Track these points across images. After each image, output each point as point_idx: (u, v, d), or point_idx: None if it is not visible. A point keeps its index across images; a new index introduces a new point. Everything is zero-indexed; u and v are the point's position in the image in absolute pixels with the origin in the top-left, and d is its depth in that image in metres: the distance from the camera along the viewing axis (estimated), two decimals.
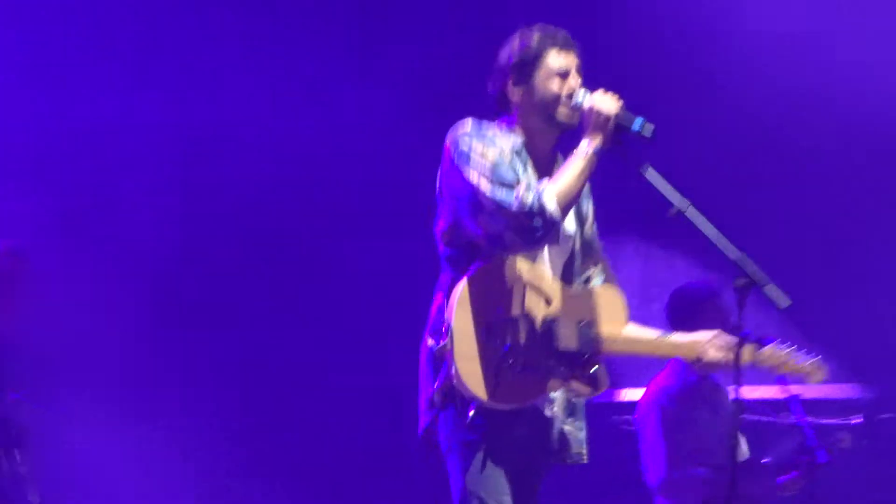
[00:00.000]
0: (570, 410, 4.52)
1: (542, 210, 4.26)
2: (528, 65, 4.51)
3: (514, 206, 4.24)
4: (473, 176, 4.32)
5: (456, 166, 4.37)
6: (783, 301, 4.16)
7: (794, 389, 5.97)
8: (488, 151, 4.36)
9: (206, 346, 7.29)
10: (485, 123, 4.50)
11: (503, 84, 4.57)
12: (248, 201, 7.44)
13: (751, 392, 6.55)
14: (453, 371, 4.20)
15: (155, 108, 7.29)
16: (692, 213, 4.28)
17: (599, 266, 4.67)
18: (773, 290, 4.18)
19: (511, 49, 4.57)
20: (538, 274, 4.38)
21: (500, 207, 4.26)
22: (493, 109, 4.62)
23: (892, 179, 7.41)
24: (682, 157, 5.88)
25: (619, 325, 4.54)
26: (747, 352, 4.57)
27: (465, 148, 4.38)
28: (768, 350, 4.71)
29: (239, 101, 7.40)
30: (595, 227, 4.69)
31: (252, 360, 7.40)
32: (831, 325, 7.08)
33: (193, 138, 7.34)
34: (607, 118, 4.39)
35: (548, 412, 4.40)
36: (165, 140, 7.37)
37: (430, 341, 4.37)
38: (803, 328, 6.22)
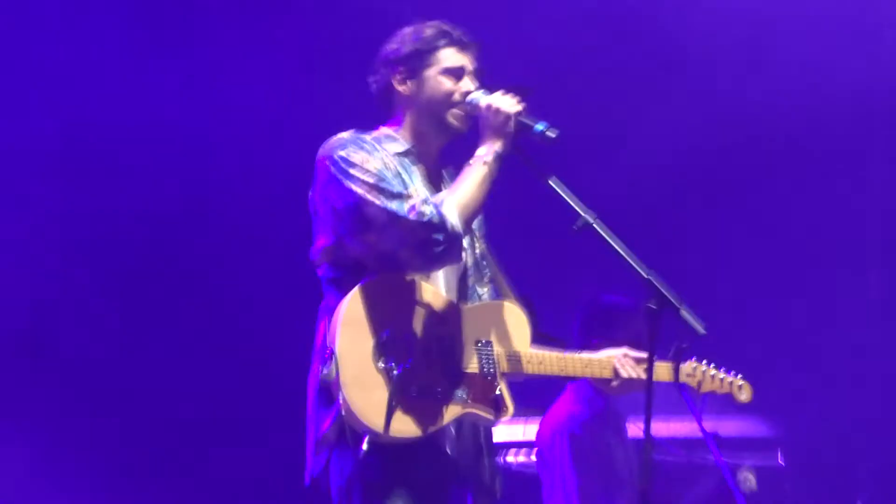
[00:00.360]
0: (477, 446, 4.14)
1: (442, 223, 3.92)
2: (419, 58, 4.15)
3: (411, 218, 3.90)
4: (358, 189, 3.96)
5: (336, 181, 4.00)
6: (699, 327, 3.80)
7: (709, 426, 5.45)
8: (370, 162, 4.00)
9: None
10: (363, 133, 4.13)
11: (388, 78, 4.19)
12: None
13: (661, 429, 6.14)
14: (341, 400, 3.84)
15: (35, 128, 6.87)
16: (599, 227, 3.93)
17: (496, 281, 4.30)
18: (688, 315, 3.80)
19: (402, 40, 4.20)
20: (430, 291, 4.06)
21: (393, 220, 3.91)
22: (376, 109, 4.25)
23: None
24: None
25: (522, 342, 4.19)
26: (664, 370, 4.35)
27: (344, 160, 4.01)
28: (688, 367, 4.51)
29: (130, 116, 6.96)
30: (486, 240, 4.33)
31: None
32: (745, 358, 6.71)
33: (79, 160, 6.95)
34: (507, 118, 4.04)
35: (449, 449, 4.07)
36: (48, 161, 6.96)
37: (315, 381, 3.99)
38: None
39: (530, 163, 4.04)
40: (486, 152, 4.03)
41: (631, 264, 3.83)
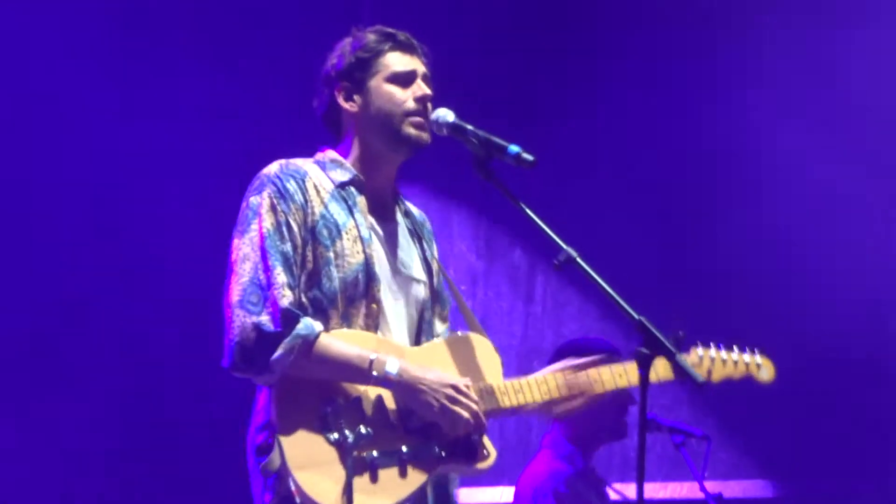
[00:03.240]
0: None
1: (279, 353, 3.43)
2: (362, 67, 3.68)
3: (261, 315, 3.45)
4: (234, 253, 3.53)
5: (234, 229, 3.59)
6: (698, 377, 3.29)
7: (713, 487, 5.30)
8: (270, 215, 3.53)
9: None
10: (302, 161, 3.67)
11: (331, 97, 3.73)
12: None
13: (657, 492, 5.76)
14: (293, 488, 3.37)
15: None
16: (583, 263, 3.44)
17: (461, 311, 3.82)
18: (685, 363, 3.29)
19: (342, 52, 3.74)
20: (372, 340, 3.56)
21: (238, 302, 3.47)
22: (323, 135, 3.79)
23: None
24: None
25: (494, 375, 3.69)
26: (662, 367, 3.64)
27: (249, 208, 3.57)
28: (693, 355, 3.96)
29: None
30: (441, 276, 3.85)
31: None
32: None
33: None
34: (429, 411, 3.52)
35: None
36: None
37: (253, 459, 3.51)
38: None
39: (505, 191, 3.57)
40: (386, 368, 3.48)
41: (619, 304, 3.34)
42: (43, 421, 6.38)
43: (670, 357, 3.27)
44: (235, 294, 3.47)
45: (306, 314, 3.50)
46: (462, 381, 3.55)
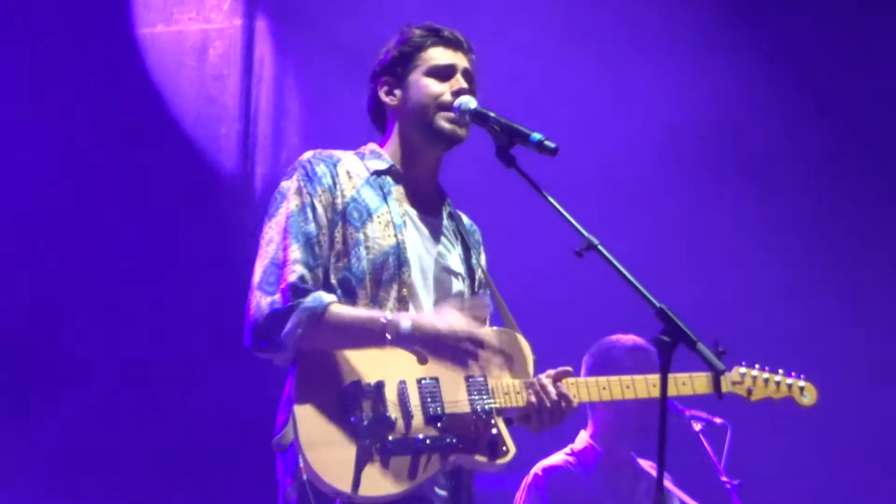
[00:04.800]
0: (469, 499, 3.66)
1: (288, 327, 3.44)
2: (403, 62, 3.71)
3: (272, 295, 3.47)
4: (263, 236, 3.58)
5: (266, 215, 3.64)
6: (719, 364, 3.28)
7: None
8: (296, 197, 3.57)
9: None
10: (329, 151, 3.70)
11: (375, 91, 3.76)
12: None
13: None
14: (302, 464, 3.35)
15: None
16: (605, 251, 3.44)
17: (500, 311, 3.81)
18: (706, 351, 3.28)
19: (388, 49, 3.77)
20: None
21: (257, 285, 3.49)
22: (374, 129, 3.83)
23: None
24: None
25: (524, 373, 3.69)
26: (701, 382, 3.82)
27: (280, 194, 3.62)
28: (734, 373, 4.00)
29: None
30: (486, 286, 3.83)
31: None
32: None
33: None
34: (443, 339, 3.51)
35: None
36: None
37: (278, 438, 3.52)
38: None
39: (527, 179, 3.57)
40: (400, 328, 3.48)
41: (642, 292, 3.35)
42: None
43: (691, 345, 3.26)
44: (257, 276, 3.51)
45: (330, 293, 3.51)
46: (474, 327, 3.52)
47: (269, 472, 3.64)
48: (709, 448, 5.23)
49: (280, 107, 6.80)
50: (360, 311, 3.50)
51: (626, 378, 3.82)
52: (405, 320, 3.48)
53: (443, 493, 3.61)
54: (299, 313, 3.43)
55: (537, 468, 5.46)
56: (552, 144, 3.53)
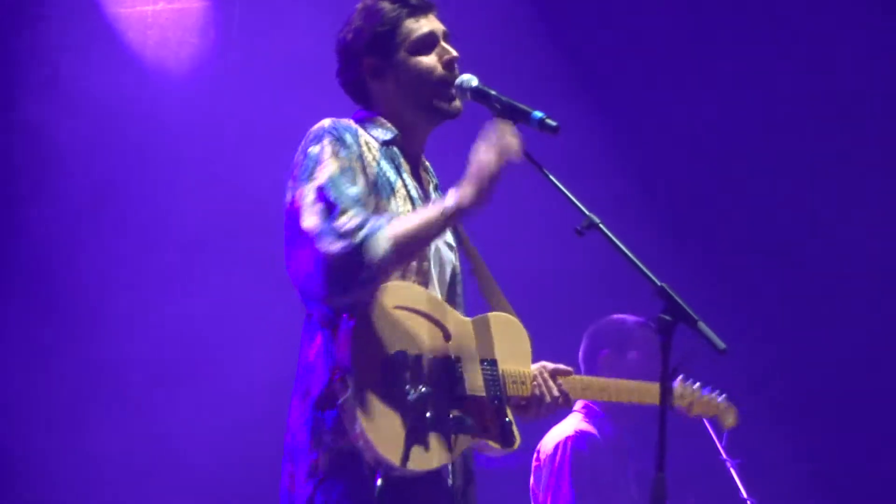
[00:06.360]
0: (468, 474, 3.63)
1: (368, 256, 3.31)
2: (383, 43, 3.62)
3: (338, 239, 3.30)
4: (305, 195, 3.40)
5: (294, 179, 3.47)
6: (720, 343, 3.26)
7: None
8: (333, 160, 3.44)
9: None
10: (344, 120, 3.59)
11: (358, 72, 3.66)
12: None
13: None
14: (357, 430, 3.28)
15: None
16: (606, 229, 3.43)
17: (490, 290, 3.79)
18: (706, 329, 3.27)
19: (358, 27, 3.65)
20: (437, 303, 3.54)
21: (318, 235, 3.32)
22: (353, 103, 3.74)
23: None
24: None
25: (524, 362, 3.69)
26: (657, 392, 3.74)
27: (310, 157, 3.46)
28: (679, 387, 4.20)
29: None
30: (473, 253, 3.82)
31: None
32: None
33: None
34: (493, 179, 3.44)
35: (452, 480, 3.57)
36: None
37: (303, 405, 3.44)
38: None
39: (528, 157, 3.54)
40: (455, 201, 3.43)
41: (643, 271, 3.34)
42: None
43: (692, 323, 3.26)
44: (312, 234, 3.34)
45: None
46: (488, 145, 3.48)
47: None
48: (709, 427, 5.24)
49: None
50: (413, 217, 3.45)
51: (631, 382, 4.01)
52: (449, 200, 3.43)
53: (452, 466, 3.58)
54: (373, 242, 3.32)
55: (567, 430, 5.45)
56: (553, 123, 3.50)
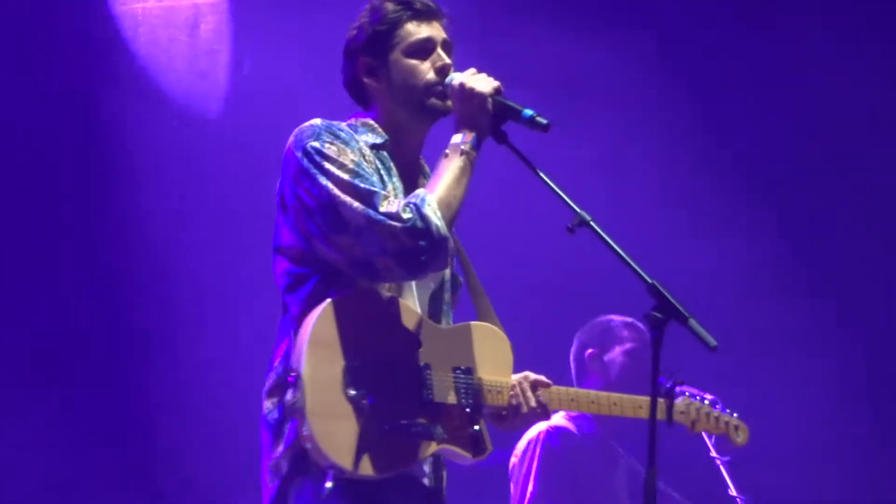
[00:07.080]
0: (439, 480, 3.65)
1: (427, 227, 3.40)
2: (381, 41, 3.64)
3: (391, 223, 3.36)
4: (332, 186, 3.42)
5: (308, 175, 3.46)
6: (711, 340, 3.26)
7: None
8: (346, 154, 3.47)
9: None
10: (337, 122, 3.62)
11: (355, 70, 3.69)
12: None
13: None
14: (306, 432, 3.32)
15: None
16: (597, 226, 3.43)
17: (477, 298, 3.79)
18: (698, 327, 3.27)
19: (360, 25, 3.69)
20: (406, 310, 3.54)
21: (371, 224, 3.37)
22: (351, 103, 3.76)
23: None
24: None
25: (504, 371, 3.67)
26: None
27: (317, 151, 3.47)
28: (681, 404, 4.03)
29: None
30: (462, 252, 3.81)
31: None
32: None
33: None
34: (482, 100, 3.53)
35: (427, 481, 3.59)
36: None
37: (269, 403, 3.47)
38: None
39: (517, 153, 3.55)
40: (462, 140, 3.53)
41: (634, 268, 3.34)
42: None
43: (683, 320, 3.26)
44: (366, 224, 3.39)
45: (352, 268, 3.46)
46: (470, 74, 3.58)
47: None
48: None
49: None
50: (442, 176, 3.52)
51: (612, 395, 3.90)
52: (456, 139, 3.55)
53: (427, 468, 3.60)
54: (427, 212, 3.41)
55: (542, 426, 5.45)
56: (544, 120, 3.51)
